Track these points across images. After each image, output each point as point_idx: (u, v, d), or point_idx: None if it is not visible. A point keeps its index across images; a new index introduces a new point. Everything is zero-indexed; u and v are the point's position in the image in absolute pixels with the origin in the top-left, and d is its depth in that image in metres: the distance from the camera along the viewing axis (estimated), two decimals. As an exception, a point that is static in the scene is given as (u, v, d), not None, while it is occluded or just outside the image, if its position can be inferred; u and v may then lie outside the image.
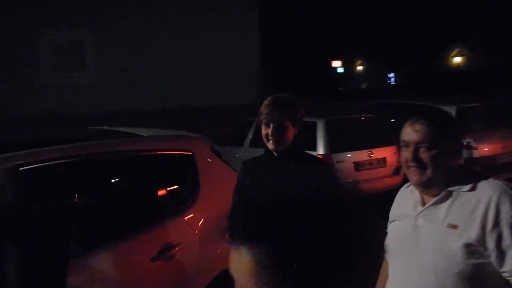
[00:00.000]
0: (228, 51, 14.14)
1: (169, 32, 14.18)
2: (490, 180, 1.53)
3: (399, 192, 1.83)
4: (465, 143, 7.81)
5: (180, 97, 13.52)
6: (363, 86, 30.43)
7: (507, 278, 1.44)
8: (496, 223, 1.42)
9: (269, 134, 2.19)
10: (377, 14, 26.48)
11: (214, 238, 3.11)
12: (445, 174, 1.55)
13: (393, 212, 1.79)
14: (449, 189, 1.54)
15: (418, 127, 1.56)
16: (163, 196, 3.04)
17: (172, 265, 2.83)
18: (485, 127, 8.08)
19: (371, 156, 6.69)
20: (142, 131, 3.36)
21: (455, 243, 1.46)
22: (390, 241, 1.69)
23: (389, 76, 33.28)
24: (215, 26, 14.27)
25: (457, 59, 31.18)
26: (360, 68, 35.57)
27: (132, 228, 2.75)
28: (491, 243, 1.43)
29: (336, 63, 31.73)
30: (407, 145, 1.59)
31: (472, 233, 1.45)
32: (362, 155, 6.64)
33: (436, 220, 1.54)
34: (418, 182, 1.58)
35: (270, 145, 2.22)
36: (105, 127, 3.60)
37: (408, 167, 1.59)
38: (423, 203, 1.61)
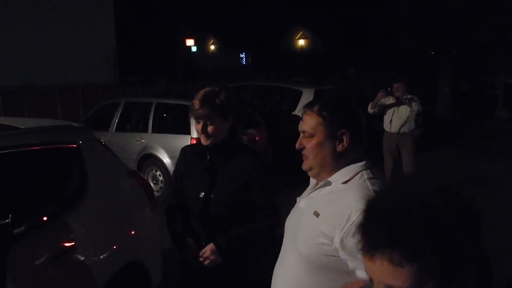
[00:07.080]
0: (81, 26, 12.93)
1: (11, 2, 12.38)
2: (364, 179, 1.52)
3: None
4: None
5: (23, 75, 12.02)
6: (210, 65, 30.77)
7: (343, 258, 1.46)
8: (348, 224, 1.43)
9: (199, 130, 2.20)
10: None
11: (111, 232, 2.90)
12: (328, 161, 1.56)
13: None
14: (329, 178, 1.57)
15: (304, 116, 1.60)
16: (47, 196, 2.70)
17: (67, 271, 2.55)
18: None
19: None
20: (18, 122, 2.91)
21: (312, 229, 1.51)
22: (287, 219, 1.75)
23: (241, 56, 34.28)
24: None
25: (301, 42, 33.41)
26: (212, 47, 35.88)
27: (15, 235, 2.37)
28: (337, 238, 1.45)
29: (190, 42, 31.41)
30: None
31: (326, 225, 1.48)
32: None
33: (311, 205, 1.58)
34: (303, 168, 1.63)
35: (202, 140, 2.23)
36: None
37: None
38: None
